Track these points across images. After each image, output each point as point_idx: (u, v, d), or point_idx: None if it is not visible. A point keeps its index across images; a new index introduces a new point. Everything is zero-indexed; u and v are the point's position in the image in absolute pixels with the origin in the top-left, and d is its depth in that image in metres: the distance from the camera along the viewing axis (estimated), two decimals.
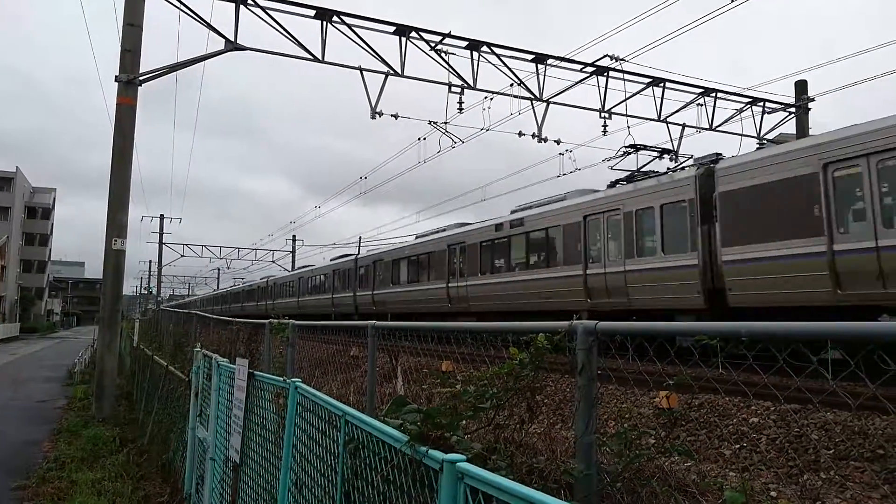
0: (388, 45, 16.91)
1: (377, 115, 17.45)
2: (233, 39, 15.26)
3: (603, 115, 19.03)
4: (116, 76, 14.24)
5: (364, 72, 16.84)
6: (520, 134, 19.55)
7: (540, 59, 18.16)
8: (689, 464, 6.38)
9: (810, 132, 19.39)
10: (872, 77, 17.87)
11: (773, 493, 5.75)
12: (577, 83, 18.92)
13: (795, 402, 7.51)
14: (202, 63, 15.75)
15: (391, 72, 16.92)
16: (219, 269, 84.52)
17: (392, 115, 18.17)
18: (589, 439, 2.98)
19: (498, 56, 17.81)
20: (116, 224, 14.32)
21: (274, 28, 15.83)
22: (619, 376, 4.23)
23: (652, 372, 3.75)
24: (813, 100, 20.88)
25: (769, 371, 3.33)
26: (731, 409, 8.03)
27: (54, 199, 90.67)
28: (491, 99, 19.05)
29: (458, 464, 2.35)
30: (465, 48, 17.50)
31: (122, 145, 14.40)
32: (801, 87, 20.90)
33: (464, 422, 3.54)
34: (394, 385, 9.22)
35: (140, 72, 14.42)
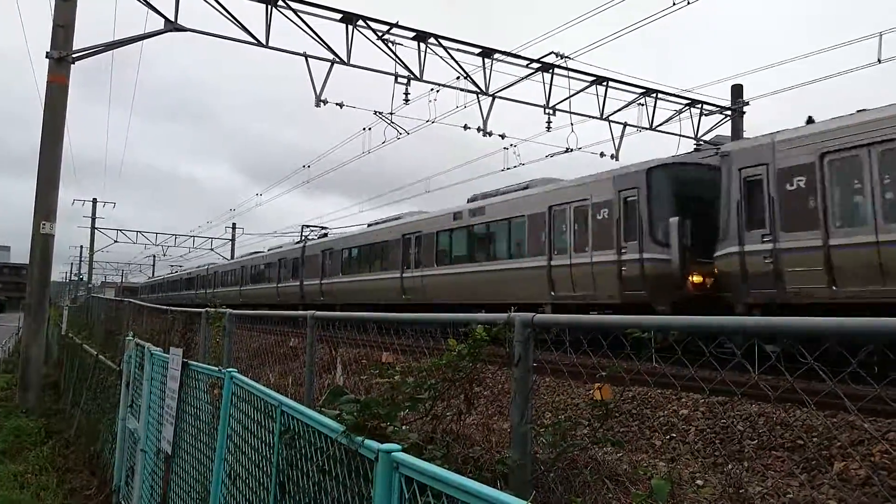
0: (334, 32, 16.70)
1: (322, 104, 17.23)
2: (173, 19, 14.80)
3: (547, 111, 19.27)
4: (48, 52, 13.62)
5: (309, 58, 16.59)
6: (465, 127, 19.63)
7: (487, 53, 18.24)
8: (621, 454, 6.56)
9: (744, 135, 20.09)
10: (806, 82, 18.62)
11: (699, 482, 5.97)
12: (522, 79, 19.08)
13: (723, 394, 7.81)
14: (141, 43, 15.25)
15: (337, 60, 16.72)
16: (154, 257, 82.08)
17: (337, 104, 17.98)
18: (524, 429, 3.03)
19: (445, 48, 17.81)
20: (45, 207, 13.72)
21: (217, 10, 15.43)
22: (555, 368, 4.32)
23: (587, 364, 3.84)
24: (748, 103, 21.63)
25: (696, 364, 3.45)
26: (662, 402, 8.30)
27: None
28: (437, 91, 19.06)
29: (393, 454, 2.35)
30: (413, 39, 17.43)
31: (52, 125, 13.79)
32: (737, 90, 21.62)
33: (402, 413, 3.55)
34: (334, 376, 9.17)
35: (73, 49, 13.83)
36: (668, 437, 7.46)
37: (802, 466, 6.28)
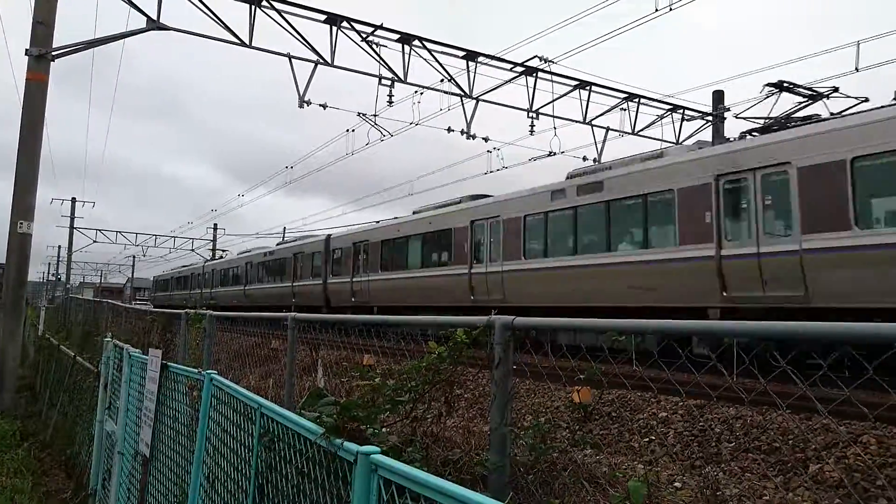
0: (318, 33, 16.66)
1: (306, 104, 17.17)
2: (155, 18, 14.67)
3: (531, 114, 19.35)
4: (27, 50, 13.45)
5: (293, 59, 16.53)
6: (449, 130, 19.66)
7: (471, 56, 18.28)
8: (600, 456, 6.60)
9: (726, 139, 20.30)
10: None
11: (677, 484, 6.03)
12: (506, 82, 19.15)
13: (701, 397, 7.89)
14: (122, 41, 15.10)
15: (321, 61, 16.67)
16: (134, 257, 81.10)
17: (321, 105, 17.93)
18: (503, 431, 3.05)
19: (429, 51, 17.82)
20: (23, 206, 13.53)
21: (200, 9, 15.33)
22: (535, 371, 4.34)
23: (565, 367, 3.87)
24: (728, 109, 21.85)
25: (672, 367, 3.49)
26: (641, 405, 8.36)
27: None
28: (421, 93, 19.08)
29: (372, 456, 2.36)
30: (397, 41, 17.43)
31: (31, 124, 13.60)
32: (717, 96, 21.84)
33: (382, 415, 3.55)
34: (315, 378, 9.13)
35: (53, 46, 13.67)
36: (646, 439, 7.52)
37: (778, 469, 6.36)
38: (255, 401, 3.52)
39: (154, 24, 14.68)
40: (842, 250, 9.91)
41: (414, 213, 22.51)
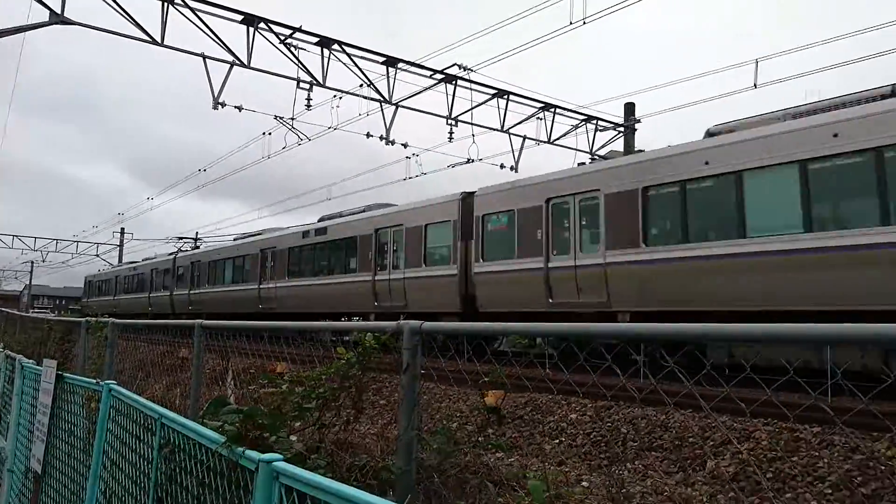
0: (234, 34, 16.25)
1: (220, 106, 16.72)
2: (59, 11, 13.96)
3: (450, 122, 19.53)
4: None
5: (207, 59, 16.08)
6: (368, 135, 19.59)
7: (391, 62, 18.29)
8: (512, 459, 6.72)
9: (636, 149, 21.16)
10: (691, 103, 19.82)
11: (584, 483, 6.20)
12: (426, 89, 19.26)
13: (608, 399, 8.16)
14: (23, 34, 14.28)
15: (237, 62, 16.29)
16: (32, 263, 76.47)
17: (236, 107, 17.52)
18: (410, 436, 3.07)
19: (349, 55, 17.72)
20: None
21: (109, 4, 14.68)
22: (447, 376, 4.39)
23: (471, 371, 3.94)
24: (640, 121, 22.76)
25: (570, 368, 3.60)
26: (553, 407, 8.57)
27: None
28: (340, 98, 18.93)
29: (274, 463, 2.33)
30: (316, 45, 17.23)
31: None
32: (629, 108, 22.71)
33: (290, 422, 3.50)
34: (225, 387, 8.89)
35: None
36: (557, 441, 7.72)
37: (679, 465, 6.65)
38: (155, 411, 3.41)
39: (58, 18, 13.97)
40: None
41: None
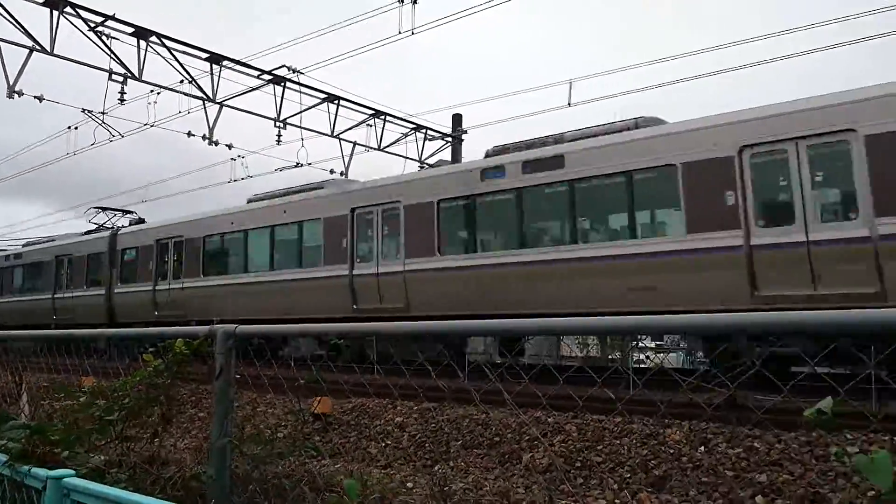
0: (36, 16, 14.70)
1: (16, 95, 15.05)
2: None
3: (278, 124, 19.04)
4: None
5: (1, 42, 14.41)
6: (189, 134, 18.59)
7: (215, 59, 17.48)
8: (338, 465, 6.69)
9: (463, 159, 21.97)
10: (514, 117, 20.93)
11: (409, 485, 6.32)
12: (253, 89, 18.64)
13: (436, 400, 8.39)
14: None
15: (37, 48, 14.75)
16: None
17: (36, 97, 15.86)
18: (223, 444, 2.96)
19: (169, 49, 16.71)
20: None
21: None
22: (264, 383, 4.29)
23: (288, 377, 3.88)
24: (466, 132, 23.63)
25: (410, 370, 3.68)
26: (379, 411, 8.64)
27: None
28: (158, 93, 17.82)
29: (64, 480, 2.17)
30: (132, 35, 16.05)
31: None
32: (457, 119, 23.51)
33: (89, 437, 3.24)
34: (20, 405, 7.99)
35: None
36: (383, 444, 7.79)
37: (498, 461, 6.99)
38: None
39: None
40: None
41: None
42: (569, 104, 19.30)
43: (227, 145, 19.38)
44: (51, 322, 21.32)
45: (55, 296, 22.47)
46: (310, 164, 20.81)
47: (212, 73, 17.54)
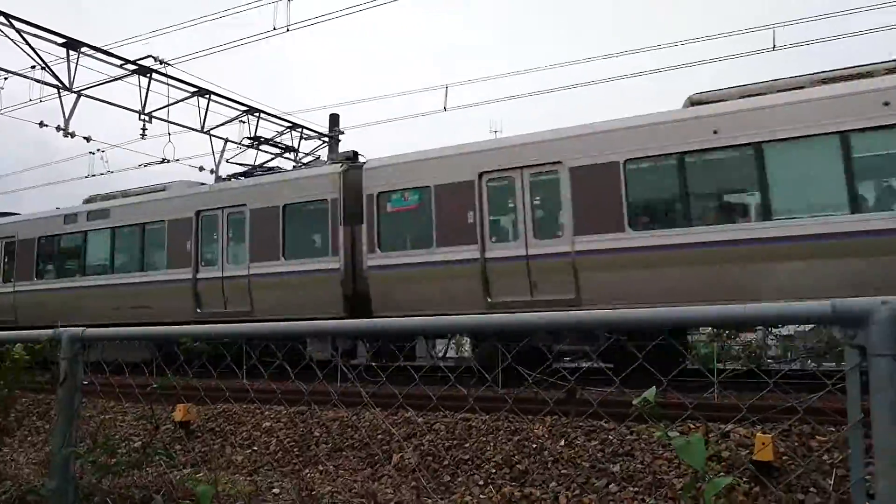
0: None
1: None
2: None
3: (143, 117, 18.04)
4: None
5: None
6: (42, 124, 17.22)
7: (72, 45, 16.30)
8: (200, 474, 6.45)
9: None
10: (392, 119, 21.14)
11: (275, 490, 6.21)
12: (115, 79, 17.55)
13: (303, 404, 8.28)
14: None
15: None
16: None
17: None
18: (65, 454, 2.80)
19: (19, 31, 15.40)
20: None
21: None
22: (122, 390, 4.07)
23: (139, 384, 3.72)
24: (343, 132, 23.47)
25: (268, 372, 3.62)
26: (245, 417, 8.41)
27: None
28: (6, 79, 16.38)
29: None
30: None
31: None
32: (334, 119, 23.28)
33: None
34: None
35: None
36: (249, 451, 7.59)
37: (368, 462, 7.01)
38: None
39: None
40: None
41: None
42: (444, 109, 19.73)
43: (84, 138, 18.09)
44: None
45: None
46: (177, 160, 19.90)
47: (68, 60, 16.34)
